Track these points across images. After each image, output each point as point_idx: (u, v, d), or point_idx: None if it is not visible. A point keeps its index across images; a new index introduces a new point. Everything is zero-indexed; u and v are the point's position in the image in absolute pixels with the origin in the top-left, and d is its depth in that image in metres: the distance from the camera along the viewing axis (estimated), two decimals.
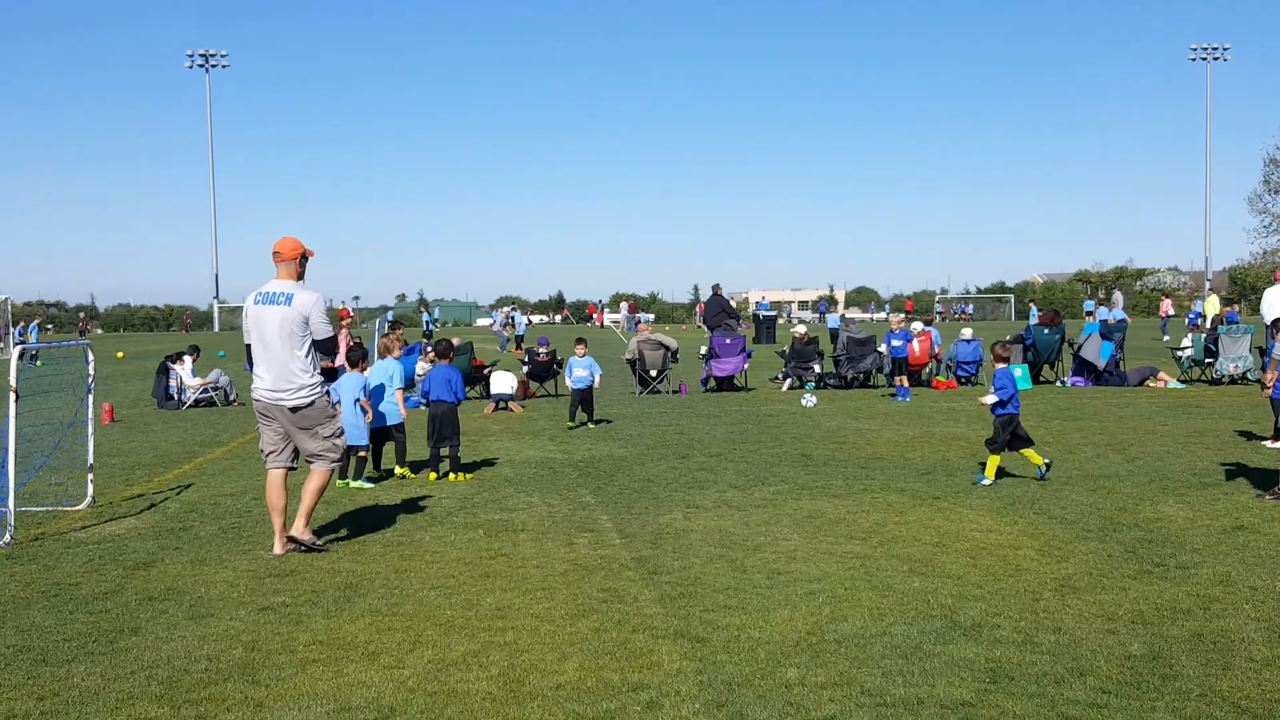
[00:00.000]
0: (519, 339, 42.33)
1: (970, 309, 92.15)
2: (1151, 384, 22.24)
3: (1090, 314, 34.56)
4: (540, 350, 21.75)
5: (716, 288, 29.17)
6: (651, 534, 8.77)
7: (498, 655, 5.80)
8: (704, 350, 23.44)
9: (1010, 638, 5.94)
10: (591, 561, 7.87)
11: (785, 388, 22.76)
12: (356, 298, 60.58)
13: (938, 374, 23.37)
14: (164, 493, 11.19)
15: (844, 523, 9.09)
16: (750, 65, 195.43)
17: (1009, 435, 11.00)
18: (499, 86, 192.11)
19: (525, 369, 22.07)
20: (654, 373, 22.02)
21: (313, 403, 8.25)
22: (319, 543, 8.42)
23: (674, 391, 22.01)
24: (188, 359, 21.90)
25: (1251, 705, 4.92)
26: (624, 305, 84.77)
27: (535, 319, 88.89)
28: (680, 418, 17.51)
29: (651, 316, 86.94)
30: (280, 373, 8.15)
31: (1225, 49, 67.30)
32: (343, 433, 8.59)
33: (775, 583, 7.18)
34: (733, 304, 31.18)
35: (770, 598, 6.83)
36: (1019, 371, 22.51)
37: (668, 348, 22.11)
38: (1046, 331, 23.72)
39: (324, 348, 8.39)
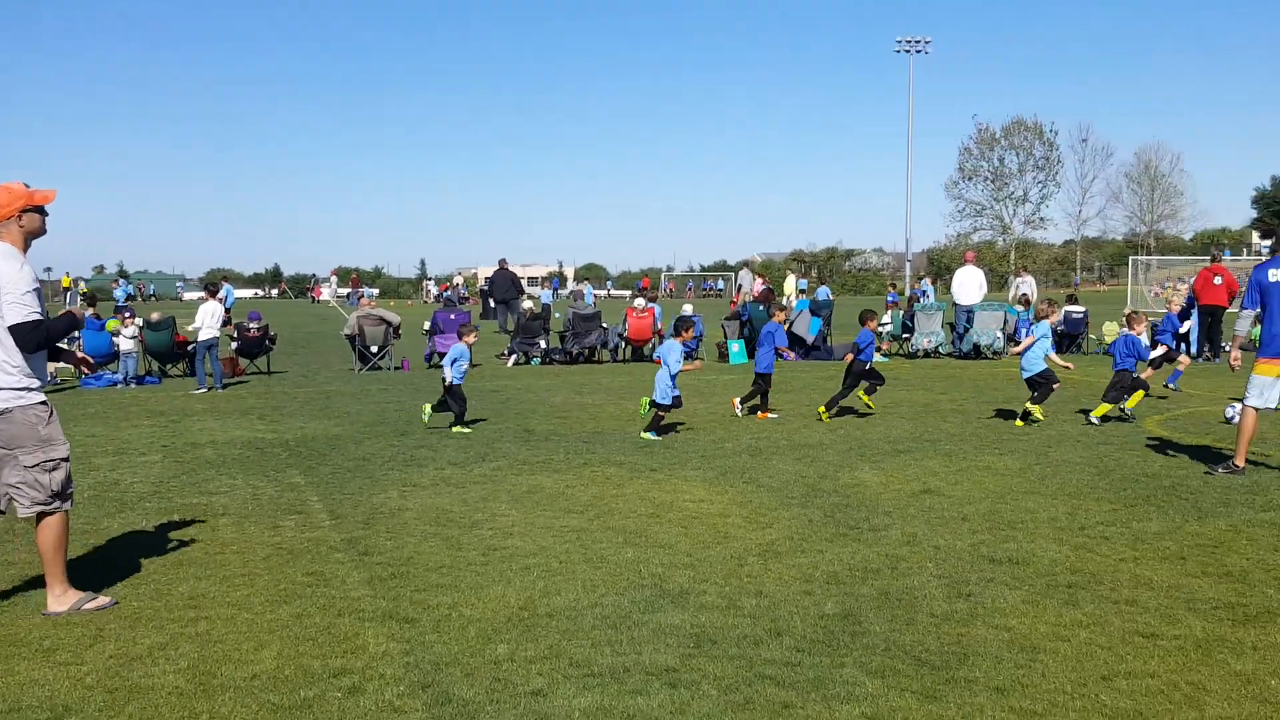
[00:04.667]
0: (227, 312, 40.12)
1: (718, 285, 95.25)
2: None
3: (803, 292, 36.34)
4: (251, 325, 20.75)
5: (503, 261, 28.53)
6: (364, 514, 8.51)
7: (188, 647, 5.48)
8: (427, 326, 23.06)
9: (715, 603, 6.10)
10: (297, 545, 7.55)
11: (510, 363, 22.70)
12: (48, 269, 56.11)
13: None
14: None
15: (563, 497, 9.11)
16: (488, 48, 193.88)
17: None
18: None
19: (234, 345, 20.99)
20: (375, 349, 21.48)
21: (8, 411, 5.99)
22: (95, 602, 6.18)
23: (396, 368, 21.54)
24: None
25: (930, 657, 5.23)
26: (332, 278, 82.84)
27: (249, 293, 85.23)
28: (401, 394, 17.13)
29: (375, 291, 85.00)
30: None
31: (927, 42, 70.21)
32: (58, 466, 6.12)
33: (490, 559, 7.11)
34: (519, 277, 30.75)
35: (484, 575, 6.75)
36: (735, 347, 23.38)
37: (389, 323, 21.61)
38: (761, 308, 24.68)
39: (18, 337, 5.96)
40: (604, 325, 23.53)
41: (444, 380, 13.09)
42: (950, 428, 12.96)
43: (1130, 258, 55.23)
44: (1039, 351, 13.27)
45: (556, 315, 28.87)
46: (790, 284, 41.43)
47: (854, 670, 5.05)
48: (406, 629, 5.72)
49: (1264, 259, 10.19)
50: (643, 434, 12.31)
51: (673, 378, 12.50)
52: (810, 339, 23.71)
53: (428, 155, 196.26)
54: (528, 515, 8.43)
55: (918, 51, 70.32)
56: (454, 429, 12.94)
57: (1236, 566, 6.76)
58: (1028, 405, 13.08)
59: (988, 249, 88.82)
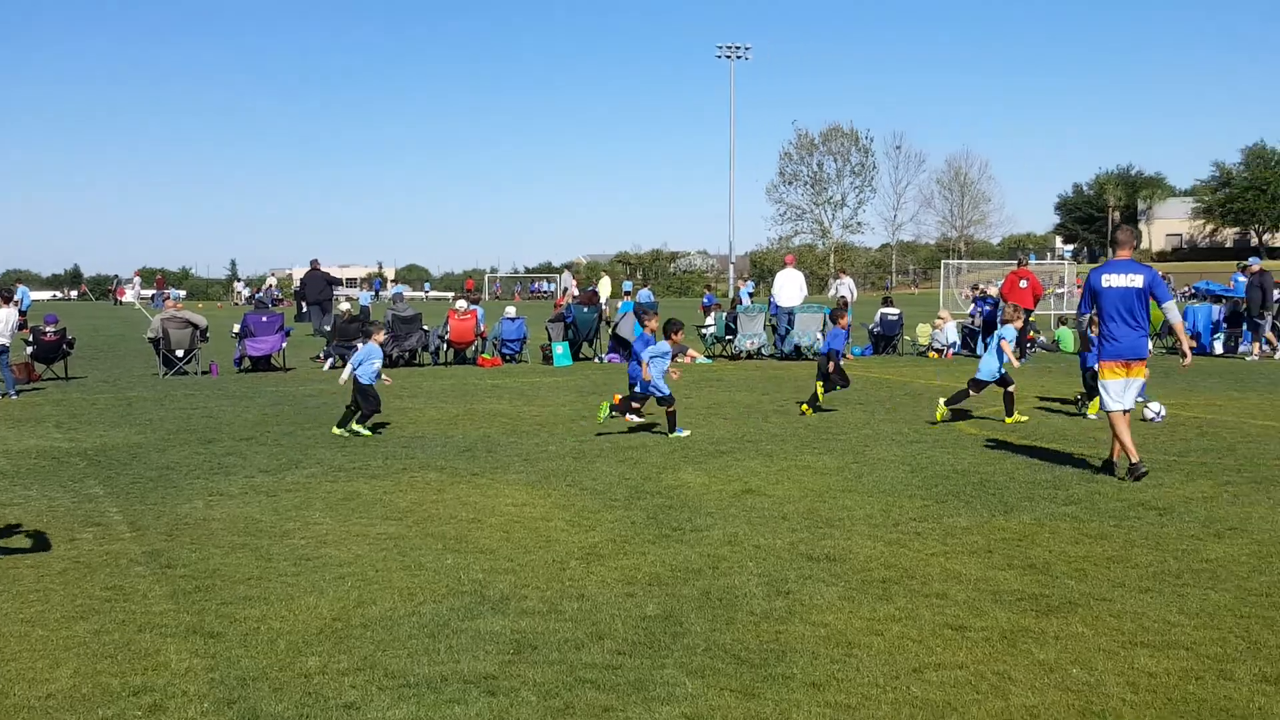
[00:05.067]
0: (23, 315, 37.78)
1: (546, 287, 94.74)
2: (680, 360, 23.80)
3: (628, 294, 36.63)
4: (48, 329, 19.59)
5: (315, 262, 27.76)
6: (167, 525, 8.10)
7: None
8: (237, 329, 22.22)
9: (536, 608, 6.02)
10: (95, 558, 7.14)
11: (327, 367, 22.08)
12: None
13: (483, 351, 23.67)
14: None
15: (380, 503, 8.88)
16: (303, 39, 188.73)
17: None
18: None
19: (29, 350, 19.77)
20: (180, 353, 20.57)
21: None
22: None
23: (203, 372, 20.68)
24: None
25: (750, 655, 5.28)
26: (136, 279, 79.63)
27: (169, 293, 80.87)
28: (209, 400, 16.44)
29: (182, 293, 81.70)
30: None
31: (747, 49, 71.48)
32: None
33: (303, 569, 6.86)
34: (334, 275, 30.05)
35: (296, 585, 6.51)
36: (560, 349, 23.34)
37: (196, 326, 20.75)
38: (585, 310, 24.73)
39: None
40: (425, 328, 23.14)
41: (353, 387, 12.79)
42: (771, 428, 13.21)
43: (942, 261, 57.59)
44: (997, 357, 13.47)
45: (376, 319, 28.29)
46: (605, 285, 41.83)
47: (674, 671, 5.06)
48: (211, 644, 5.47)
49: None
50: (671, 435, 12.47)
51: (657, 371, 12.73)
52: (634, 340, 23.85)
53: (241, 150, 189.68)
54: (343, 523, 8.18)
55: (738, 58, 71.84)
56: (354, 425, 12.77)
57: (1040, 559, 7.06)
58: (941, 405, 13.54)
59: (808, 252, 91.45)
